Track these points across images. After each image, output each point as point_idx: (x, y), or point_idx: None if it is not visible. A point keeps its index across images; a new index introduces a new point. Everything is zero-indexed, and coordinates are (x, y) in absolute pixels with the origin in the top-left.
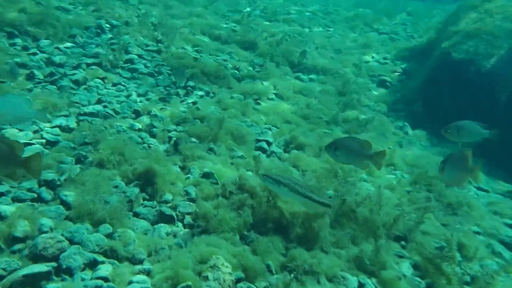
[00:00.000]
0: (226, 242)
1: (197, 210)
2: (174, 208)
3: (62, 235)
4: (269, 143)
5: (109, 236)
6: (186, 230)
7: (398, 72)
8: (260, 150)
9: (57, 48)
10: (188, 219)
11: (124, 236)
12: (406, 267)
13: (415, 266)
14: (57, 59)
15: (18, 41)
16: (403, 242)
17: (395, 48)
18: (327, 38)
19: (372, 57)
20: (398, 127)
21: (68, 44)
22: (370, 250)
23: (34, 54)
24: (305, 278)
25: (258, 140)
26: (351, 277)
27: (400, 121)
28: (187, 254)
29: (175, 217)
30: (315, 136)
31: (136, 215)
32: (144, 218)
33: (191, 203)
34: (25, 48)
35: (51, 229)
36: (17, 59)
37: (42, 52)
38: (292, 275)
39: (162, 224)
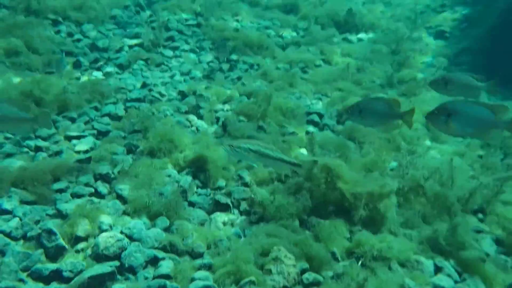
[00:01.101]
0: (287, 230)
1: (253, 196)
2: (228, 194)
3: (122, 232)
4: (320, 115)
5: (167, 229)
6: (243, 217)
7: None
8: (312, 124)
9: (100, 31)
10: (244, 205)
11: (181, 229)
12: (488, 244)
13: (497, 242)
14: (100, 43)
15: (63, 28)
16: (480, 215)
17: None
18: None
19: (427, 6)
20: None
21: (110, 26)
22: (445, 229)
23: (79, 40)
24: (374, 264)
25: (308, 113)
26: (426, 260)
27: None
28: (247, 246)
29: (231, 204)
30: None
31: (191, 204)
32: (199, 208)
33: (245, 188)
34: (70, 35)
35: (111, 227)
36: (64, 47)
37: (86, 37)
38: (360, 262)
39: (218, 213)
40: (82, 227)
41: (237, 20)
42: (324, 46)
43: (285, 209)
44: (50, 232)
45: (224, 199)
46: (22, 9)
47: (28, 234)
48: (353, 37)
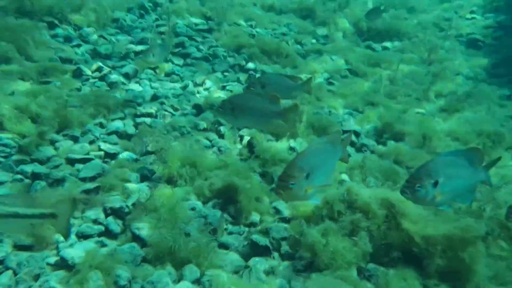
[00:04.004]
0: (347, 285)
1: (295, 235)
2: (265, 232)
3: None
4: (357, 134)
5: (197, 282)
6: (286, 263)
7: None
8: (349, 144)
9: (102, 36)
10: (285, 246)
11: (215, 281)
12: None
13: None
14: (102, 49)
15: (59, 31)
16: None
17: None
18: None
19: (455, 12)
20: (505, 96)
21: (112, 31)
22: None
23: (78, 45)
24: None
25: (343, 131)
26: None
27: (507, 88)
28: None
29: (270, 246)
30: (414, 120)
31: (223, 246)
32: (233, 250)
33: (285, 226)
34: (68, 39)
35: (130, 282)
36: (61, 54)
37: (86, 42)
38: None
39: (256, 259)
40: (95, 284)
41: (251, 26)
42: (349, 54)
43: (342, 255)
44: None
45: (263, 241)
46: (13, 10)
47: None
48: (377, 45)
